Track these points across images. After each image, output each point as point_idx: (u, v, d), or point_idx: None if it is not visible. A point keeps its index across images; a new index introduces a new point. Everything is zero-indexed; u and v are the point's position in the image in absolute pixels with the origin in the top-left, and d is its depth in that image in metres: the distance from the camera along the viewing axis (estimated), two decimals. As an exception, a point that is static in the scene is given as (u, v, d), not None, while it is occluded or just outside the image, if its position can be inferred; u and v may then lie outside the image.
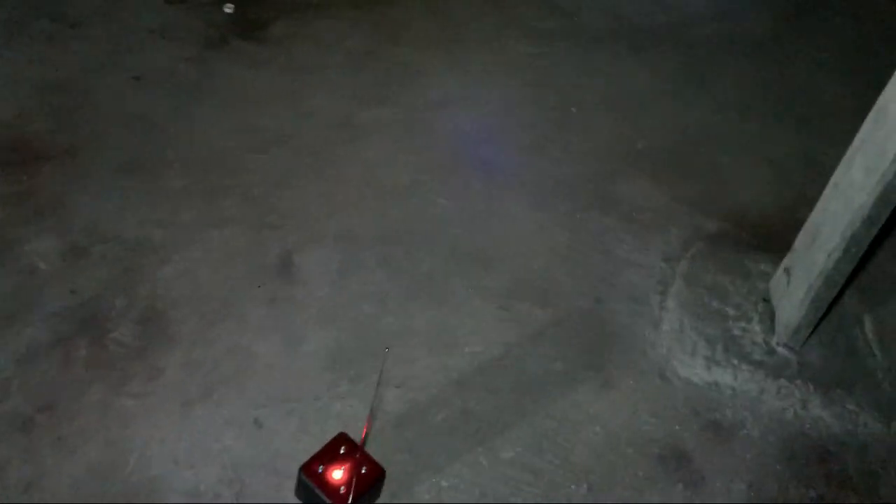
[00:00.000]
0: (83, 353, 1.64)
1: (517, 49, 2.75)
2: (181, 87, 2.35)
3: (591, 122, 2.45)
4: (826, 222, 1.62)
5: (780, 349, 1.75)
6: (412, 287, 1.85)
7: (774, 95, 2.72)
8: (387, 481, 1.47)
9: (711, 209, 2.19)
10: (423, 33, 2.75)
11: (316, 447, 1.40)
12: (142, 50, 2.47)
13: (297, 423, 1.55)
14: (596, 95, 2.58)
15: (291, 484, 1.39)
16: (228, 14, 2.67)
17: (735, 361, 1.73)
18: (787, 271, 1.78)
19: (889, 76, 1.50)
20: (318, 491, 1.37)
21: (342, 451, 1.42)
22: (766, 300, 1.86)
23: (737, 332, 1.79)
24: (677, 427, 1.66)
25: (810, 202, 1.74)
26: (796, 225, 1.79)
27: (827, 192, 1.66)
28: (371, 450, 1.50)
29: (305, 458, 1.38)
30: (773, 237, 2.09)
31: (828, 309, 1.70)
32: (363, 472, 1.40)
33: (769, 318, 1.81)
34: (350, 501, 1.35)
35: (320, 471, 1.38)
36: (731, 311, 1.85)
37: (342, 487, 1.37)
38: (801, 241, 1.75)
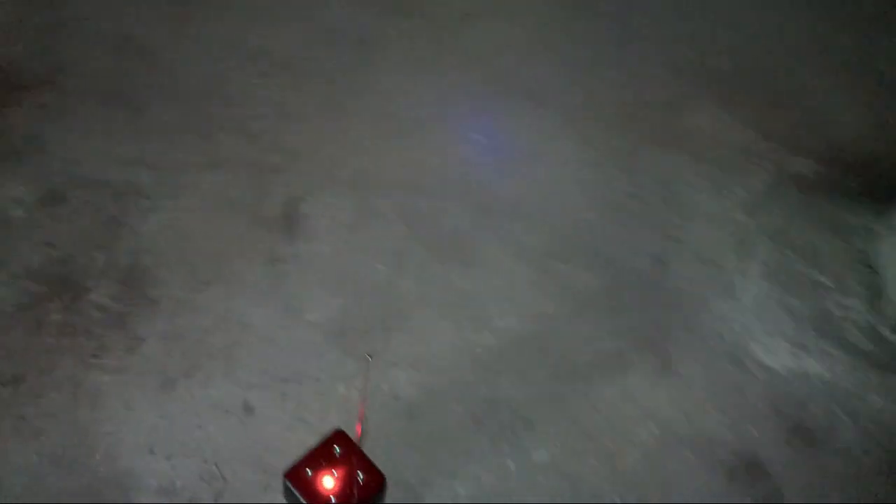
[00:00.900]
0: (57, 318, 1.46)
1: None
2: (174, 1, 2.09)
3: (656, 35, 2.08)
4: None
5: (889, 335, 1.44)
6: (435, 244, 1.59)
7: None
8: (393, 486, 1.26)
9: (803, 146, 1.84)
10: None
11: (312, 439, 1.20)
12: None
13: (293, 409, 1.34)
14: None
15: (281, 484, 1.19)
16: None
17: (830, 348, 1.43)
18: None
19: None
20: (303, 501, 1.16)
21: (337, 453, 1.21)
22: (871, 267, 1.54)
23: (833, 308, 1.49)
24: (752, 429, 1.38)
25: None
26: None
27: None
28: (375, 446, 1.28)
29: (299, 452, 1.17)
30: (880, 182, 1.73)
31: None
32: (359, 480, 1.18)
33: (875, 291, 1.49)
34: (343, 517, 1.14)
35: (308, 477, 1.17)
36: (826, 281, 1.53)
37: (332, 499, 1.16)
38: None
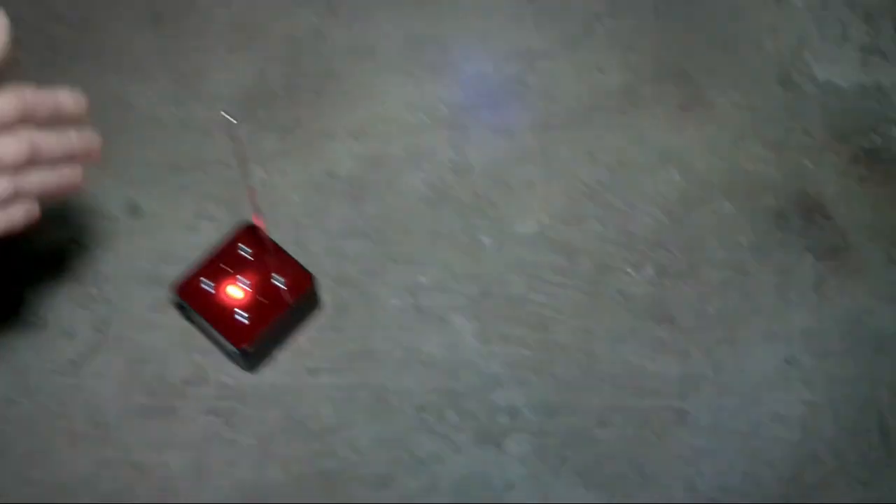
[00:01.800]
0: None
1: None
2: None
3: None
4: None
5: None
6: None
7: None
8: (333, 284, 0.97)
9: None
10: None
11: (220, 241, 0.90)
12: None
13: (194, 206, 1.03)
14: None
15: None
16: None
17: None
18: None
19: None
20: (202, 319, 0.88)
21: (246, 254, 0.90)
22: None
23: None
24: (806, 162, 1.05)
25: None
26: None
27: None
28: (305, 238, 0.98)
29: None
30: None
31: None
32: (277, 285, 0.89)
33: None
34: (259, 334, 0.86)
35: (206, 287, 0.88)
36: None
37: (241, 314, 0.87)
38: None
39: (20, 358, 0.94)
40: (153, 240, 1.01)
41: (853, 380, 0.95)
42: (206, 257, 0.90)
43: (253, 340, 0.85)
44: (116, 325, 0.96)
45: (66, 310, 0.97)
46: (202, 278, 0.88)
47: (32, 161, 0.55)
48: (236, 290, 0.88)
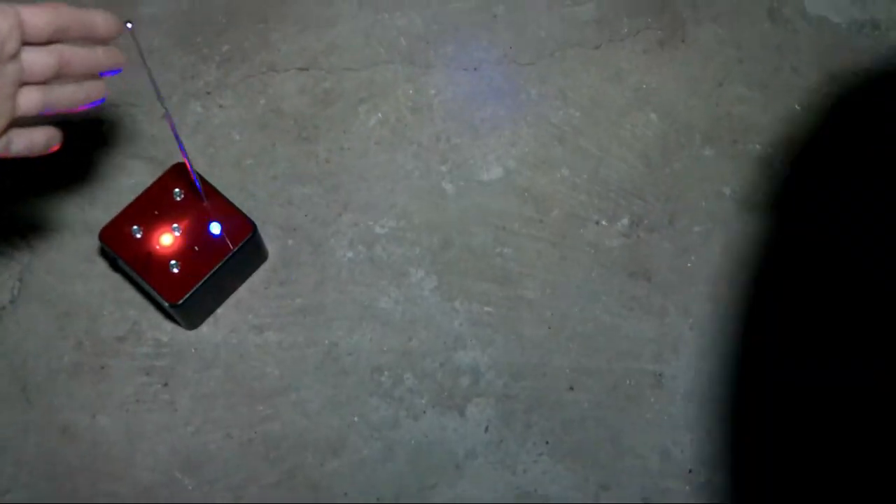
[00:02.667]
0: None
1: None
2: None
3: None
4: None
5: None
6: None
7: None
8: (281, 233, 0.90)
9: None
10: None
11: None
12: None
13: (125, 144, 0.95)
14: None
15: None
16: None
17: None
18: None
19: None
20: (131, 269, 0.80)
21: (179, 197, 0.83)
22: None
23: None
24: (796, 106, 0.99)
25: None
26: None
27: None
28: (246, 180, 0.90)
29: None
30: None
31: None
32: (214, 232, 0.81)
33: None
34: (194, 287, 0.79)
35: (135, 234, 0.80)
36: None
37: (174, 265, 0.79)
38: None
39: (-71, 312, 0.87)
40: (81, 181, 0.93)
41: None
42: (135, 200, 0.82)
43: (187, 294, 0.78)
44: (41, 275, 0.89)
45: (-20, 260, 0.89)
46: (130, 223, 0.80)
47: (60, 75, 0.58)
48: (169, 238, 0.80)
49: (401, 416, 0.85)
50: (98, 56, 0.61)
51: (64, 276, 0.89)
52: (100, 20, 0.60)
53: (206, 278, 0.80)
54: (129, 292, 0.88)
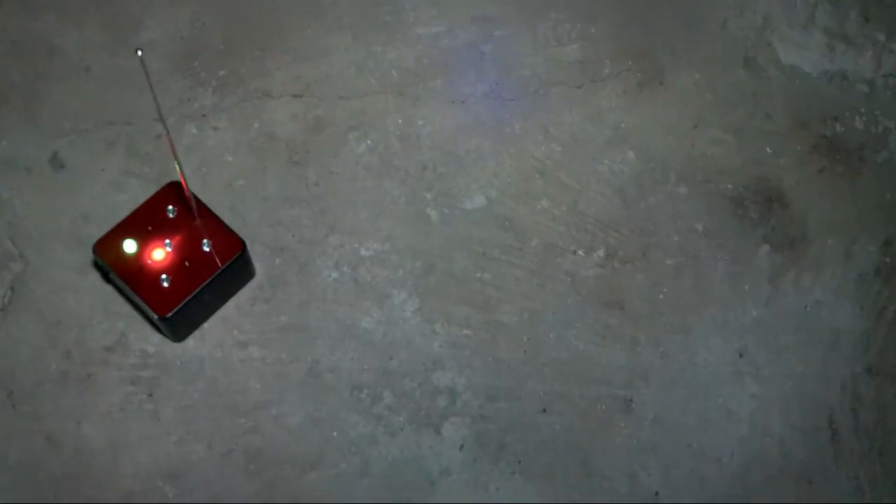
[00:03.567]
0: None
1: None
2: None
3: None
4: None
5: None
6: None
7: None
8: (268, 252, 0.94)
9: None
10: None
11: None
12: None
13: (121, 161, 0.99)
14: None
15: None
16: None
17: (881, 36, 1.06)
18: None
19: None
20: (122, 282, 0.84)
21: (172, 214, 0.87)
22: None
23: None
24: (766, 147, 1.04)
25: None
26: None
27: None
28: (236, 200, 0.94)
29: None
30: None
31: None
32: (205, 249, 0.85)
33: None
34: (183, 301, 0.82)
35: (128, 249, 0.84)
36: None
37: (165, 279, 0.83)
38: None
39: (-78, 318, 0.90)
40: (76, 196, 0.97)
41: (805, 376, 0.96)
42: (128, 215, 0.86)
43: (175, 308, 0.82)
44: (33, 286, 0.92)
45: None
46: (123, 237, 0.84)
47: None
48: (160, 253, 0.84)
49: (378, 433, 0.89)
50: None
51: (55, 288, 0.92)
52: None
53: (194, 293, 0.83)
54: (119, 304, 0.92)
